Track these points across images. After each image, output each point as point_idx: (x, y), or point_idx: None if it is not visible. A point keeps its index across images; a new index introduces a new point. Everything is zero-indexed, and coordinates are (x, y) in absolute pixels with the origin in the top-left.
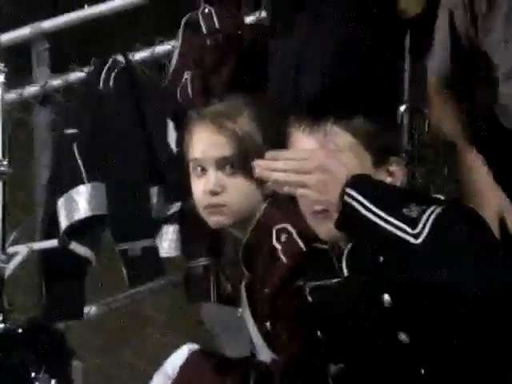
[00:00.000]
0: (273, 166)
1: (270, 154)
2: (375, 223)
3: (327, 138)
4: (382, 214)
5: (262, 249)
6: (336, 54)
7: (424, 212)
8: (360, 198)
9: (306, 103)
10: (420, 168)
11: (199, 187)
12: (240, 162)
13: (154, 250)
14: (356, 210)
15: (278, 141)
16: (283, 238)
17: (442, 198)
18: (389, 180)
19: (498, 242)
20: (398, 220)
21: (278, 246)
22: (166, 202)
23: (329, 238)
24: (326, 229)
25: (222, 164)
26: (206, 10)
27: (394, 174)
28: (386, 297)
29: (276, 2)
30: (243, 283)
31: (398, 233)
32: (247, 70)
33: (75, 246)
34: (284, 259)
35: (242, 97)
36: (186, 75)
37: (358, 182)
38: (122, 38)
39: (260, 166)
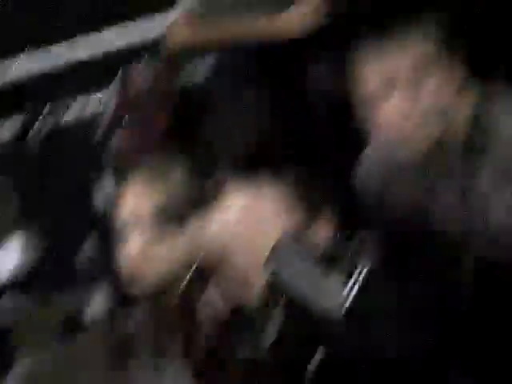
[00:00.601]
0: None
1: None
2: (297, 295)
3: (259, 195)
4: (310, 280)
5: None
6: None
7: (347, 281)
8: (287, 263)
9: (239, 159)
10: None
11: (127, 246)
12: (170, 220)
13: None
14: (278, 281)
15: (212, 196)
16: (209, 306)
17: (367, 261)
18: (317, 236)
19: (425, 302)
20: (327, 285)
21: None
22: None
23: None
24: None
25: (151, 222)
26: (141, 64)
27: (323, 230)
28: (311, 367)
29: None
30: None
31: (321, 305)
32: (181, 124)
33: None
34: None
35: (174, 154)
36: (121, 128)
37: (281, 251)
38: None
39: None
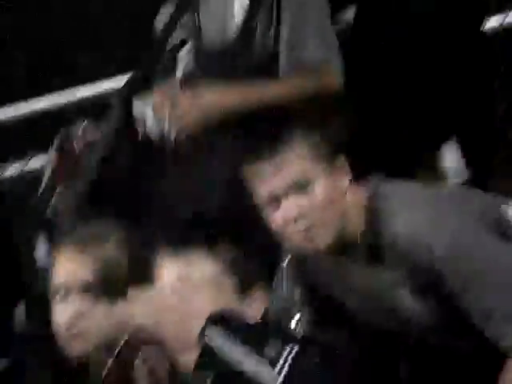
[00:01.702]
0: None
1: None
2: (235, 366)
3: (193, 268)
4: (242, 357)
5: (124, 378)
6: None
7: (282, 351)
8: (219, 340)
9: (172, 232)
10: None
11: (60, 313)
12: (103, 288)
13: None
14: (215, 353)
15: (144, 268)
16: (145, 367)
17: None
18: (253, 306)
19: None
20: (258, 362)
21: (141, 375)
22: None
23: (189, 371)
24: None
25: (84, 289)
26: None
27: (257, 300)
28: None
29: None
30: None
31: (258, 374)
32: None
33: None
34: None
35: (109, 221)
36: (58, 190)
37: (217, 322)
38: None
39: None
